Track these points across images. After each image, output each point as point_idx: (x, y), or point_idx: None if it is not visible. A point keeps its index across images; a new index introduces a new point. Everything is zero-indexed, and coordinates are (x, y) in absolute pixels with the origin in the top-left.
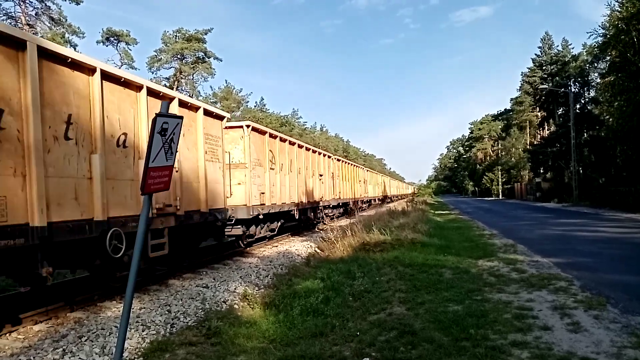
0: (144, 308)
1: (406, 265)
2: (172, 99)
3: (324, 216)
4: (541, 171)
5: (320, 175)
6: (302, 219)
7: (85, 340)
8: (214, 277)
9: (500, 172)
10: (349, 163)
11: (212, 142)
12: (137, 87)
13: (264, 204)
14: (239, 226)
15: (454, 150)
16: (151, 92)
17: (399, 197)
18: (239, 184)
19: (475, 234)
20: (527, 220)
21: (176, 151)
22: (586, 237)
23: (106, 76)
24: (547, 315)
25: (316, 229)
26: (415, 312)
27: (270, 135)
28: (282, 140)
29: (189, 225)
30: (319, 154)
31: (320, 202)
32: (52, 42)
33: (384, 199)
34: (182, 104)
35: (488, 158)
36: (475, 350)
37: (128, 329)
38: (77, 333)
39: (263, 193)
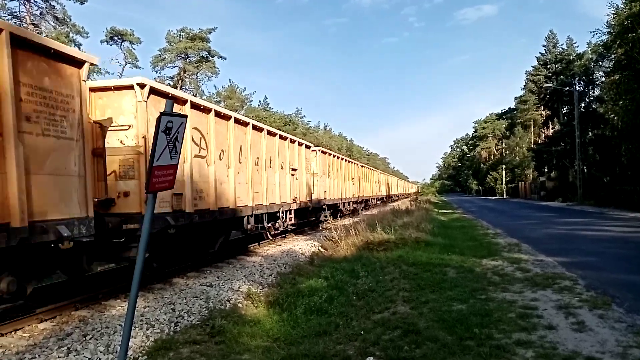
0: (149, 307)
1: (410, 264)
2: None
3: (340, 211)
4: (545, 170)
5: (352, 179)
6: (341, 209)
7: (90, 339)
8: (218, 275)
9: (504, 171)
10: (363, 166)
11: (307, 161)
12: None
13: (326, 198)
14: (329, 210)
15: (458, 149)
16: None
17: (403, 196)
18: (320, 185)
19: (479, 233)
20: (531, 219)
21: (180, 150)
22: (591, 236)
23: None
24: (551, 315)
25: (320, 228)
26: (419, 311)
27: (329, 154)
28: (335, 156)
29: (306, 208)
30: (353, 163)
31: (352, 197)
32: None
33: (388, 198)
34: (290, 140)
35: (492, 157)
36: (479, 350)
37: (132, 327)
38: (82, 331)
39: (325, 191)
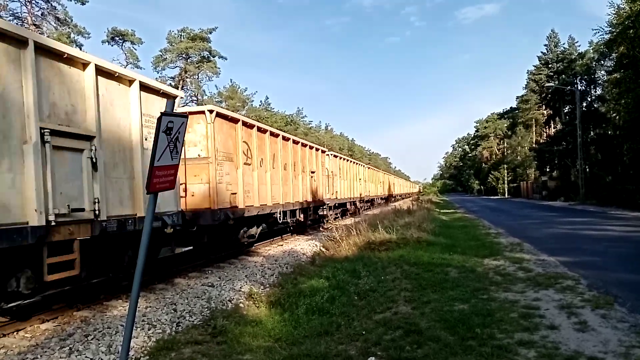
0: (150, 307)
1: (412, 264)
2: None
3: (339, 212)
4: (547, 170)
5: (359, 179)
6: (348, 208)
7: (92, 339)
8: (219, 276)
9: (506, 171)
10: (363, 166)
11: (322, 165)
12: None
13: (337, 197)
14: (340, 208)
15: (460, 149)
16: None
17: (404, 196)
18: (333, 185)
19: (481, 232)
20: (533, 219)
21: (181, 150)
22: (593, 235)
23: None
24: (554, 315)
25: (321, 228)
26: (421, 311)
27: (340, 157)
28: (344, 159)
29: (323, 205)
30: (360, 165)
31: (358, 197)
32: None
33: (390, 198)
34: (309, 147)
35: (494, 156)
36: (481, 350)
37: (134, 327)
38: (84, 332)
39: (337, 191)
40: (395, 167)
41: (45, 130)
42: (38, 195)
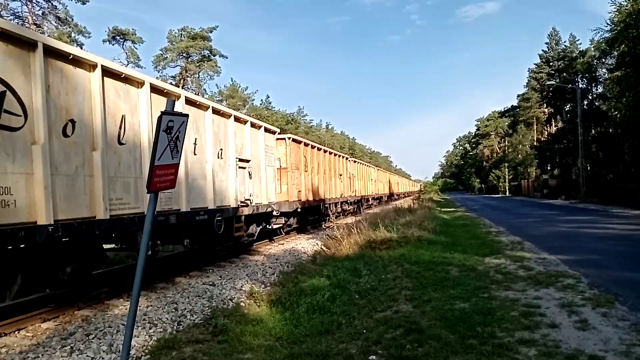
0: (151, 306)
1: (412, 263)
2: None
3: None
4: (548, 168)
5: (371, 180)
6: (362, 203)
7: (93, 338)
8: (220, 275)
9: (507, 169)
10: (362, 164)
11: (347, 169)
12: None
13: (356, 195)
14: (356, 204)
15: (461, 147)
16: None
17: (405, 195)
18: (354, 184)
19: (482, 231)
20: (534, 218)
21: (182, 149)
22: (594, 234)
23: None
24: (554, 313)
25: (322, 227)
26: (422, 309)
27: (359, 163)
28: (361, 163)
29: (346, 200)
30: (374, 167)
31: (373, 194)
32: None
33: (390, 197)
34: (339, 156)
35: (495, 155)
36: (482, 348)
37: (135, 326)
38: (85, 331)
39: (355, 190)
40: (396, 166)
41: (237, 159)
42: (236, 192)
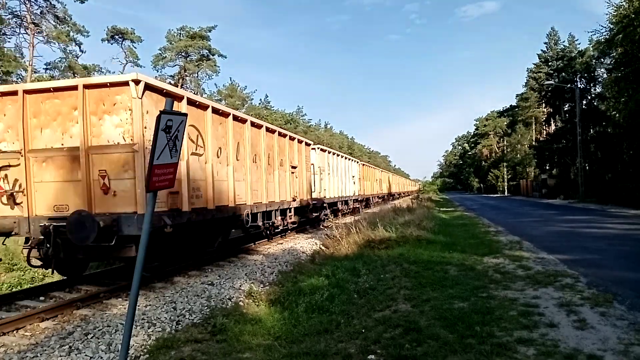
0: (150, 305)
1: (411, 263)
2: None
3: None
4: (547, 168)
5: (376, 180)
6: (371, 201)
7: (92, 338)
8: (219, 274)
9: (505, 169)
10: (362, 163)
11: (359, 172)
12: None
13: (364, 194)
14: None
15: (459, 147)
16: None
17: (404, 194)
18: (362, 185)
19: (480, 230)
20: (532, 217)
21: (180, 149)
22: (592, 233)
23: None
24: (553, 312)
25: (321, 227)
26: (421, 309)
27: (366, 165)
28: (367, 166)
29: (357, 199)
30: (378, 169)
31: (377, 193)
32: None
33: (389, 196)
34: (355, 161)
35: (493, 155)
36: (480, 347)
37: (134, 326)
38: (83, 330)
39: (362, 190)
40: (394, 166)
41: (292, 166)
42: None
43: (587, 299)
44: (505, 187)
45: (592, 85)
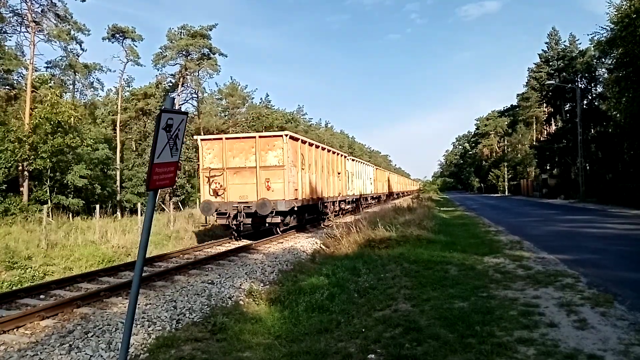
0: (150, 304)
1: (411, 262)
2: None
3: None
4: (547, 167)
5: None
6: (376, 199)
7: (92, 336)
8: (219, 273)
9: (506, 169)
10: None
11: (367, 173)
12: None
13: (372, 193)
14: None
15: (460, 147)
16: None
17: (405, 194)
18: (362, 184)
19: (481, 230)
20: (533, 217)
21: (181, 147)
22: (593, 233)
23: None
24: (553, 312)
25: (321, 226)
26: (421, 308)
27: (377, 168)
28: (380, 169)
29: (365, 197)
30: (381, 169)
31: (379, 193)
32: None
33: (389, 196)
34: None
35: (494, 154)
36: (480, 347)
37: (134, 324)
38: (84, 329)
39: (372, 189)
40: (395, 165)
41: (349, 172)
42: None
43: (587, 299)
44: (506, 187)
45: (593, 85)
